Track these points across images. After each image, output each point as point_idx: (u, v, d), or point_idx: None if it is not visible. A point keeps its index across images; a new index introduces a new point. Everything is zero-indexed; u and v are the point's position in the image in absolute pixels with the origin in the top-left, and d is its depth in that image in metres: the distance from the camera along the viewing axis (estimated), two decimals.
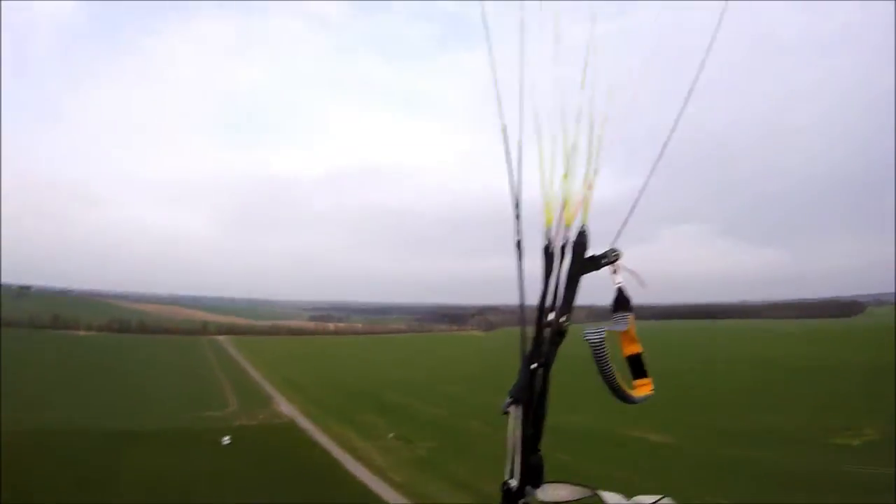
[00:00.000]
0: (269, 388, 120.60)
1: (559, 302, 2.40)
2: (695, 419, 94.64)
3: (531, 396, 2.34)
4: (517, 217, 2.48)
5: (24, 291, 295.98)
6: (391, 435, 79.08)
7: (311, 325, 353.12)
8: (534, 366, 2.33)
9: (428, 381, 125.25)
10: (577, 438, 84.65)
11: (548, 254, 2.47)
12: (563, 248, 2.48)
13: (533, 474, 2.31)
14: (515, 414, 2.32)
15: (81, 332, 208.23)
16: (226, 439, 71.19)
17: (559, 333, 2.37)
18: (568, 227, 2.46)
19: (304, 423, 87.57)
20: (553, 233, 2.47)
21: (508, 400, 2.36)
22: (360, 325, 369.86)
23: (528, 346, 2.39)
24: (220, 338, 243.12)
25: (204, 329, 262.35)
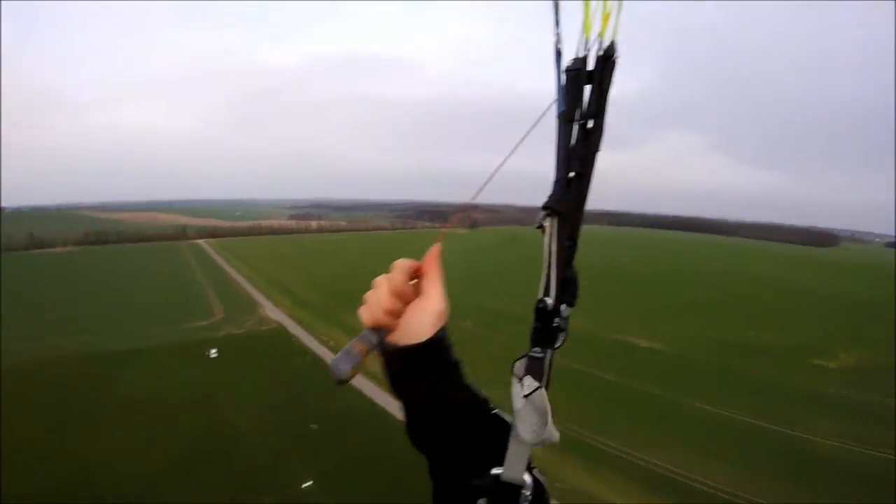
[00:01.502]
0: (254, 293, 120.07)
1: (590, 107, 2.04)
2: (681, 328, 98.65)
3: (567, 207, 2.07)
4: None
5: None
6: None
7: (292, 223, 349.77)
8: (571, 174, 2.05)
9: None
10: (577, 339, 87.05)
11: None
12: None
13: (569, 291, 2.06)
14: (551, 226, 2.07)
15: (58, 249, 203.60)
16: (212, 352, 70.92)
17: (593, 137, 2.05)
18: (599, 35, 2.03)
19: (293, 328, 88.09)
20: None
21: (543, 213, 2.08)
22: (342, 223, 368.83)
23: (562, 155, 2.07)
24: (201, 241, 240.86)
25: (184, 234, 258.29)
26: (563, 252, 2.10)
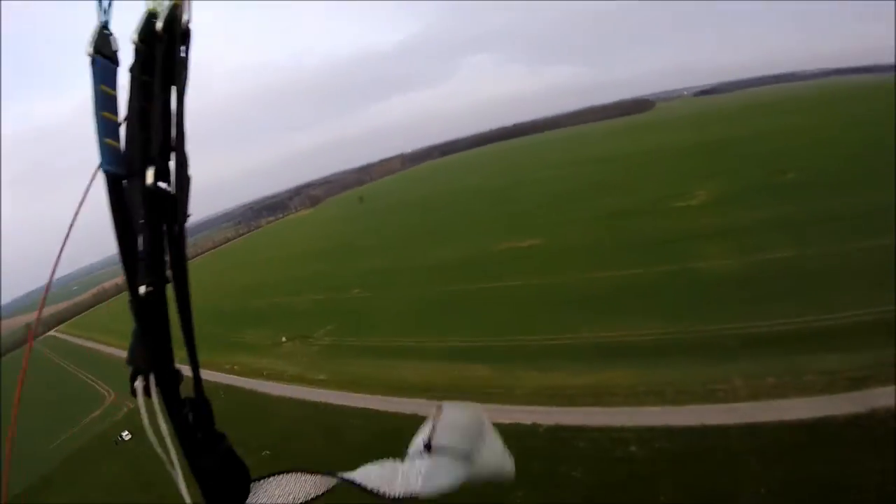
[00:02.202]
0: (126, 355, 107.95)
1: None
2: (551, 220, 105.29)
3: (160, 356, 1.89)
4: None
5: None
6: (283, 339, 76.36)
7: None
8: (144, 289, 1.82)
9: (279, 276, 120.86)
10: (464, 264, 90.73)
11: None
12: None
13: (224, 479, 1.91)
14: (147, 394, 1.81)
15: None
16: (124, 435, 63.53)
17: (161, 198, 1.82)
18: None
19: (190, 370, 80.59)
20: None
21: (132, 370, 1.88)
22: (190, 251, 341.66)
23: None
24: (53, 332, 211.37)
25: (31, 332, 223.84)
26: (184, 427, 1.96)
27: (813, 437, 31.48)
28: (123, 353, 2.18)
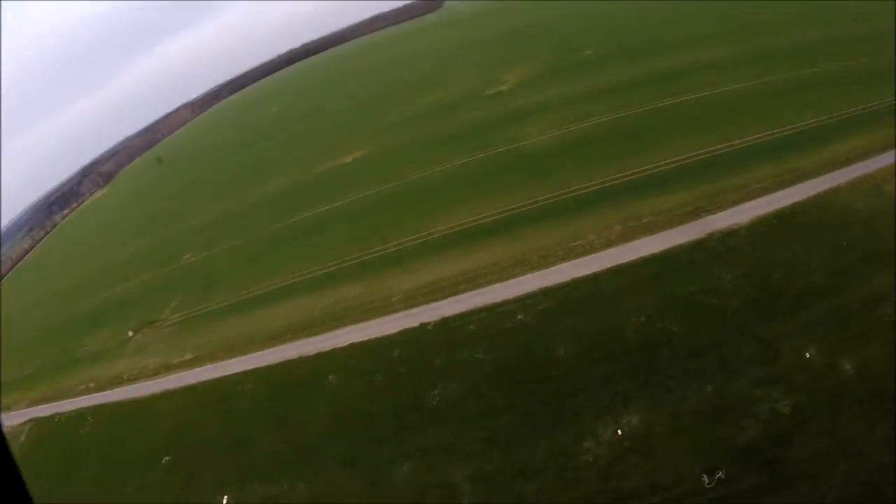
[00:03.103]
0: None
1: None
2: (365, 132, 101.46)
3: None
4: None
5: None
6: (130, 333, 64.97)
7: None
8: None
9: (99, 267, 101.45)
10: (292, 193, 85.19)
11: None
12: None
13: None
14: None
15: None
16: None
17: None
18: None
19: (49, 409, 57.21)
20: None
21: None
22: None
23: None
24: None
25: None
26: None
27: (668, 264, 36.18)
28: None
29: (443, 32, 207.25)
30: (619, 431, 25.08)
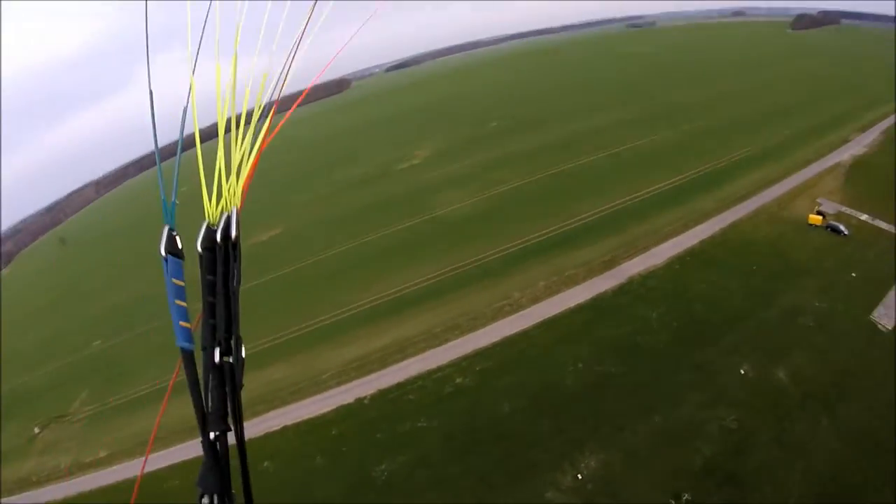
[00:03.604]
0: None
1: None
2: (287, 210, 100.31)
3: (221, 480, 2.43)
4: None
5: None
6: (37, 430, 57.23)
7: None
8: (213, 435, 2.42)
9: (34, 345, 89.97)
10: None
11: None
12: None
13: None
14: None
15: None
16: None
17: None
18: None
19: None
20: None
21: (201, 491, 2.43)
22: None
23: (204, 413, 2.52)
24: None
25: None
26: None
27: (595, 312, 37.52)
28: None
29: (352, 111, 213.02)
30: (580, 476, 24.80)
